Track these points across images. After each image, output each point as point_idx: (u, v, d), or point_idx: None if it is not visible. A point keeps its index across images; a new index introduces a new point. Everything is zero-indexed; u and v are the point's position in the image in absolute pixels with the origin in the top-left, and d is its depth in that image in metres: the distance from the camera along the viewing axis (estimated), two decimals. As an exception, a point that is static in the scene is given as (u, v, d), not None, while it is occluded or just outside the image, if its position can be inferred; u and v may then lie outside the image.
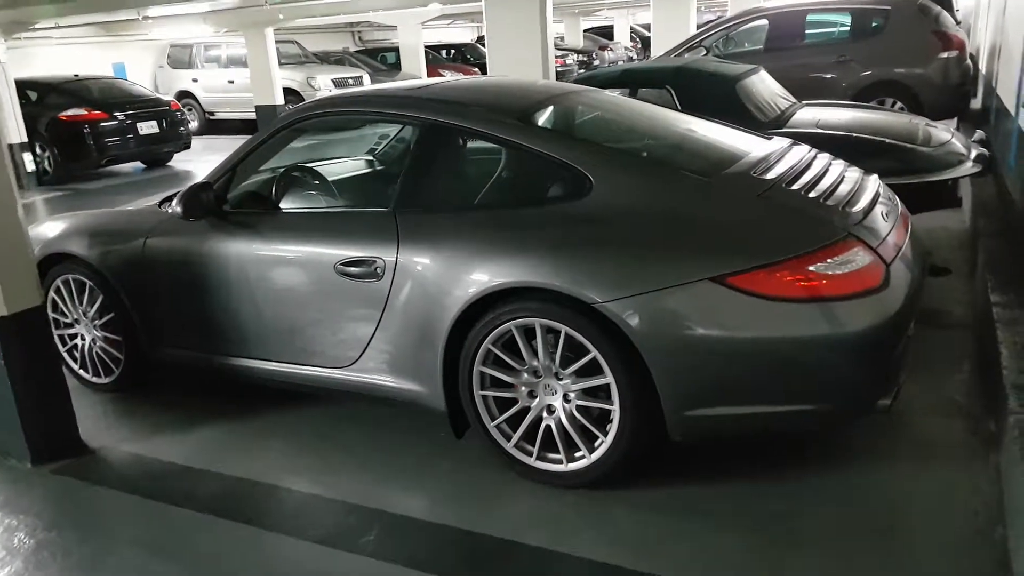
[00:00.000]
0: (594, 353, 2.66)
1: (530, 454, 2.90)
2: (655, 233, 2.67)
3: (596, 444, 2.78)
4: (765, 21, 9.29)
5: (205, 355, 3.63)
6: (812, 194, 2.81)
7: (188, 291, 3.55)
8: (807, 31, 9.27)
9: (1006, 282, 3.93)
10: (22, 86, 11.45)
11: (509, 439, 2.92)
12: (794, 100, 5.65)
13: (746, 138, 3.52)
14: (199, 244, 3.47)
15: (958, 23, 9.22)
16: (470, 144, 3.16)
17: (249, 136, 3.79)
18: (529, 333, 2.78)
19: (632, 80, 5.47)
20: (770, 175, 2.91)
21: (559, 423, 2.82)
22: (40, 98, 11.66)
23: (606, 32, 27.76)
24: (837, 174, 3.11)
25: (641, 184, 2.82)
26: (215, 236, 3.44)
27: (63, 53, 17.75)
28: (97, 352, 3.94)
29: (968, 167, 4.63)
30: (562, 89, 3.68)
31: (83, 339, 3.95)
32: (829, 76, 8.48)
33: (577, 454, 2.82)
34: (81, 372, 4.03)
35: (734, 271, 2.51)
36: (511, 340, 2.81)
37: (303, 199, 3.61)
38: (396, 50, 18.79)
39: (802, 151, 3.36)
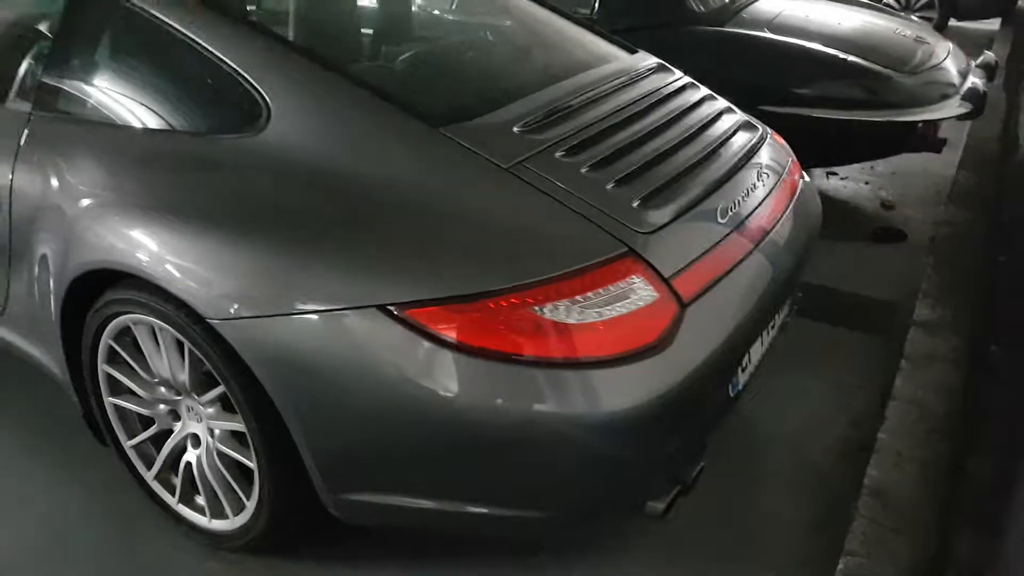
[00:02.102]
0: (222, 385, 1.75)
1: (174, 492, 2.05)
2: (320, 213, 1.68)
3: (242, 506, 1.92)
4: None
5: None
6: (602, 171, 1.77)
7: None
8: None
9: (948, 283, 2.90)
10: None
11: (152, 466, 2.06)
12: (761, -15, 4.38)
13: (592, 54, 2.43)
14: None
15: None
16: (141, 26, 2.05)
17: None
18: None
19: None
20: (554, 129, 1.87)
21: (199, 464, 1.95)
22: None
23: None
24: (683, 130, 2.06)
25: (332, 125, 1.78)
26: None
27: None
28: None
29: (952, 106, 3.48)
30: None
31: None
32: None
33: (225, 510, 1.96)
34: None
35: (416, 300, 1.54)
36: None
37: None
38: None
39: (656, 83, 2.28)
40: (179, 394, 1.93)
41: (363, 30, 2.66)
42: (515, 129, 1.83)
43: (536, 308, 1.53)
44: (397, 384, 1.55)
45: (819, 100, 3.47)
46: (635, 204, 1.72)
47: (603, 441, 1.56)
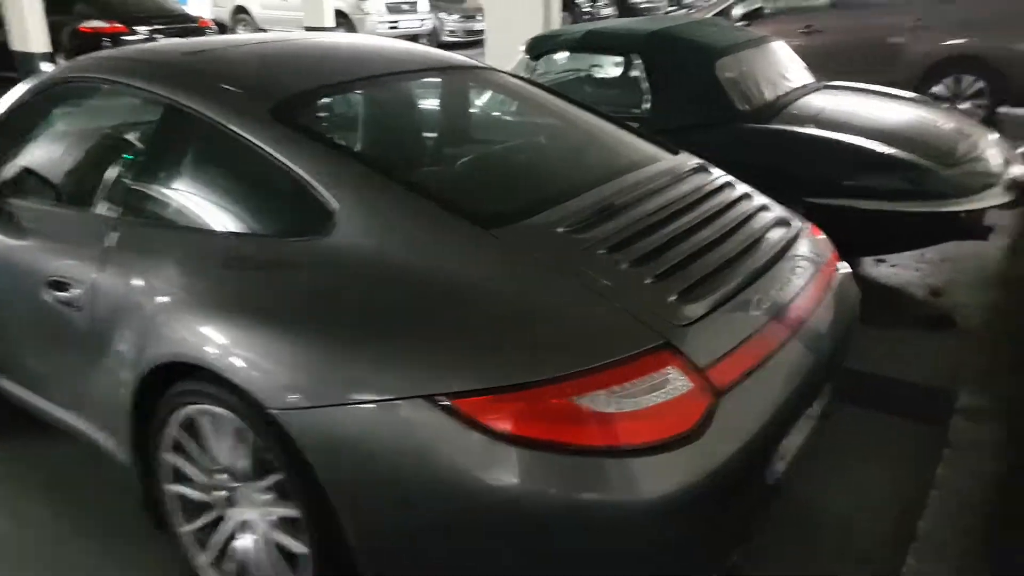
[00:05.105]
0: (281, 472, 1.86)
1: (227, 579, 2.14)
2: (374, 309, 1.81)
3: (293, 594, 1.99)
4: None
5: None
6: (640, 267, 1.87)
7: None
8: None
9: (993, 370, 2.88)
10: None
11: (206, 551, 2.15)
12: (808, 81, 4.52)
13: (637, 155, 2.56)
14: None
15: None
16: (220, 141, 2.19)
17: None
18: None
19: (595, 44, 4.45)
20: (597, 229, 1.98)
21: (251, 551, 2.04)
22: (68, 5, 11.17)
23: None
24: (720, 227, 2.15)
25: (389, 229, 1.93)
26: None
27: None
28: None
29: (994, 196, 3.52)
30: (415, 64, 2.75)
31: None
32: (900, 42, 7.13)
33: (276, 598, 2.04)
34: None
35: (461, 391, 1.63)
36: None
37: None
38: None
39: (696, 183, 2.39)
40: (236, 481, 2.04)
41: (423, 134, 2.85)
42: (559, 230, 1.95)
43: (575, 398, 1.61)
44: (442, 473, 1.63)
45: (863, 192, 3.55)
46: (671, 298, 1.80)
47: (642, 527, 1.60)
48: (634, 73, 4.22)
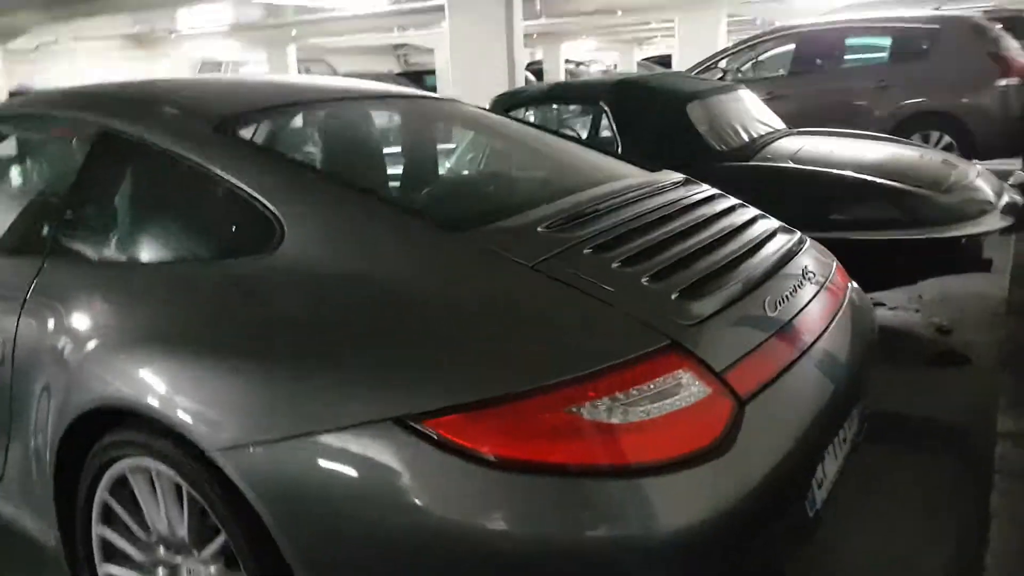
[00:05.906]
0: (224, 532, 1.54)
1: (178, 675, 1.77)
2: (330, 325, 1.53)
3: None
4: (792, 42, 8.02)
5: None
6: (634, 266, 1.63)
7: None
8: (842, 54, 7.96)
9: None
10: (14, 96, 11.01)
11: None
12: (779, 127, 4.42)
13: (615, 170, 2.36)
14: None
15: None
16: (157, 163, 1.97)
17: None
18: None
19: (563, 96, 4.40)
20: (581, 230, 1.74)
21: (205, 636, 1.69)
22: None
23: (665, 61, 26.50)
24: (716, 231, 1.92)
25: (345, 233, 1.67)
26: None
27: (94, 65, 17.74)
28: None
29: (993, 220, 3.35)
30: (369, 92, 2.57)
31: None
32: (863, 104, 7.16)
33: None
34: None
35: (431, 409, 1.35)
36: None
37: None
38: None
39: (683, 192, 2.18)
40: (179, 553, 1.71)
41: (381, 158, 2.63)
42: (539, 229, 1.71)
43: (573, 408, 1.33)
44: (417, 509, 1.34)
45: (855, 223, 3.36)
46: (674, 296, 1.56)
47: (661, 567, 1.31)
48: (603, 122, 4.10)
